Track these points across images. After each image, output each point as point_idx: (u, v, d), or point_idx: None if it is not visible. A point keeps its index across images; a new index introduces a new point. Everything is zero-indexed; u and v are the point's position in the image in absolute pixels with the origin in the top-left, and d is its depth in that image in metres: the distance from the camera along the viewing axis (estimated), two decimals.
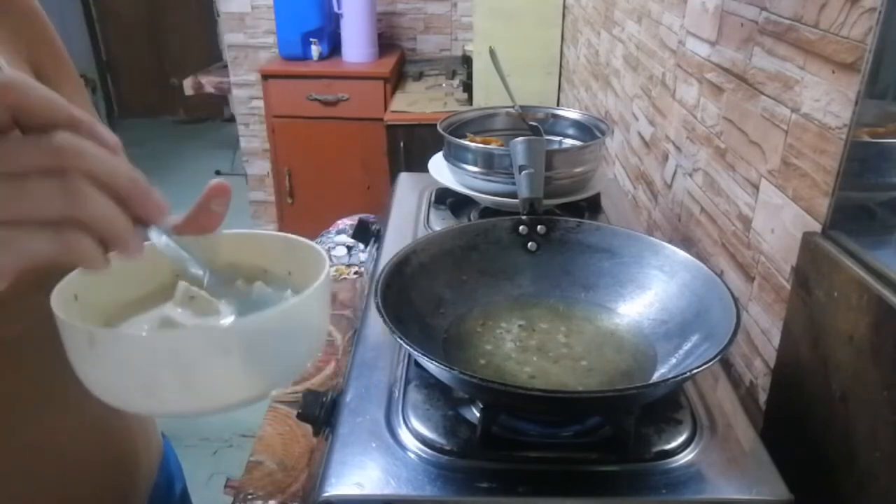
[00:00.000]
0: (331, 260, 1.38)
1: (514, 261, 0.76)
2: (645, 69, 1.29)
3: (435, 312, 0.69)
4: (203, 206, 0.49)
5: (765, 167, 0.76)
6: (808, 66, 0.67)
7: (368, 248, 1.07)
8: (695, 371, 0.52)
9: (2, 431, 0.56)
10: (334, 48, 2.88)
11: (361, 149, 2.74)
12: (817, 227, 0.65)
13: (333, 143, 2.77)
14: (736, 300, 0.60)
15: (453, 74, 2.78)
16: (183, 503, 0.82)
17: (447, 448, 0.56)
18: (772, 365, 0.73)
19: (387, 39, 3.04)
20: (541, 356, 0.65)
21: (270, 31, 2.98)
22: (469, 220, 0.98)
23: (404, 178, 1.17)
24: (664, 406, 0.61)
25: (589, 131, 1.07)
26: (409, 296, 0.67)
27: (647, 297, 0.70)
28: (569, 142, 1.09)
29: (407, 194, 1.09)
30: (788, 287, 0.70)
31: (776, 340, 0.72)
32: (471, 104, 2.38)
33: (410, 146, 2.39)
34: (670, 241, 0.73)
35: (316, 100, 2.70)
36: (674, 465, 0.56)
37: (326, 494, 0.52)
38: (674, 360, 0.62)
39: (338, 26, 2.81)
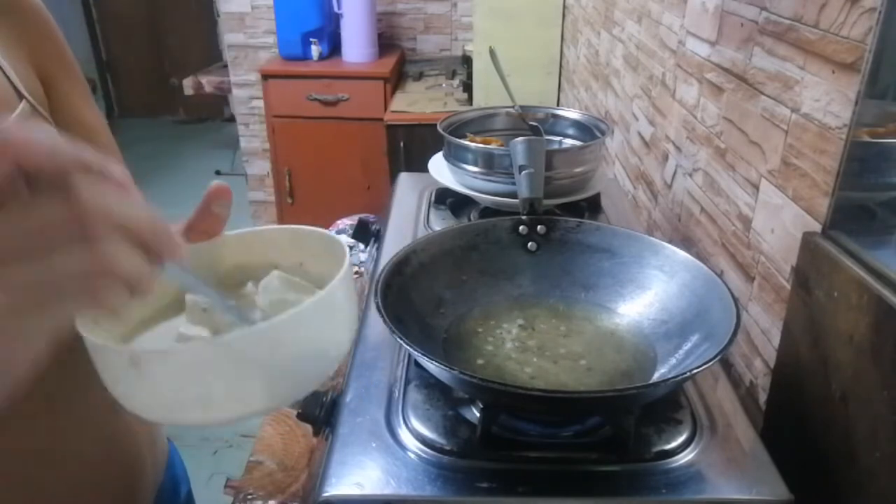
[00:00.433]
0: None
1: (514, 261, 0.76)
2: (645, 69, 1.29)
3: (435, 312, 0.69)
4: (205, 210, 0.49)
5: (765, 167, 0.76)
6: (808, 66, 0.67)
7: (368, 248, 1.07)
8: (695, 371, 0.52)
9: (12, 437, 0.56)
10: (334, 48, 2.88)
11: (361, 149, 2.74)
12: (817, 227, 0.65)
13: (333, 143, 2.77)
14: (736, 300, 0.60)
15: (453, 74, 2.78)
16: None
17: (447, 448, 0.56)
18: (772, 365, 0.73)
19: (387, 39, 3.04)
20: (541, 356, 0.65)
21: (270, 31, 2.98)
22: (469, 220, 0.98)
23: (404, 178, 1.17)
24: (664, 406, 0.61)
25: (589, 131, 1.07)
26: (409, 296, 0.67)
27: (647, 297, 0.70)
28: (569, 142, 1.09)
29: (407, 194, 1.09)
30: (788, 287, 0.70)
31: (776, 340, 0.72)
32: (471, 104, 2.38)
33: (410, 146, 2.39)
34: (670, 241, 0.73)
35: (316, 100, 2.70)
36: (674, 465, 0.56)
37: (326, 494, 0.52)
38: (674, 360, 0.62)
39: (338, 26, 2.81)
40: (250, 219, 3.38)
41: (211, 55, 4.50)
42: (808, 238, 0.65)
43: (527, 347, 0.66)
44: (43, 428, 0.58)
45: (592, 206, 1.01)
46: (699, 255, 0.84)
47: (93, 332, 0.40)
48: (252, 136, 3.26)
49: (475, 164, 0.94)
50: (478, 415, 0.58)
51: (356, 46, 2.77)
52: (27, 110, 0.57)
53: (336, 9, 2.74)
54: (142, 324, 0.48)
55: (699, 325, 0.63)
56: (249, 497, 0.84)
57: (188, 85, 3.47)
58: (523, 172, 0.79)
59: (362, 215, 1.17)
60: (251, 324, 0.44)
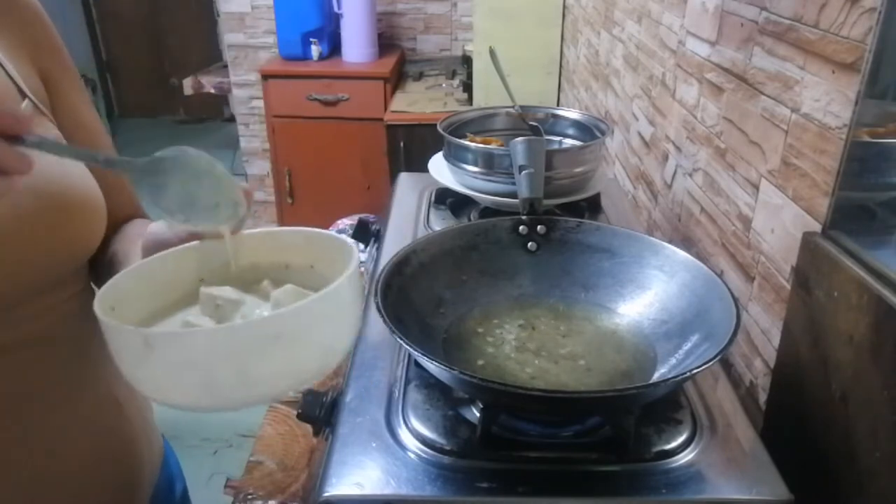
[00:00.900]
0: None
1: (514, 261, 0.76)
2: (645, 69, 1.29)
3: (435, 312, 0.69)
4: None
5: (765, 167, 0.76)
6: (808, 66, 0.67)
7: (368, 248, 1.07)
8: (695, 371, 0.52)
9: (14, 434, 0.56)
10: (334, 48, 2.88)
11: (361, 149, 2.74)
12: (817, 227, 0.65)
13: (333, 143, 2.77)
14: (736, 300, 0.60)
15: (453, 74, 2.78)
16: (184, 503, 0.83)
17: (447, 448, 0.56)
18: (772, 365, 0.73)
19: (387, 39, 3.04)
20: (541, 356, 0.65)
21: (270, 31, 2.98)
22: (469, 220, 0.98)
23: (404, 178, 1.17)
24: (664, 406, 0.61)
25: (589, 131, 1.07)
26: (409, 296, 0.67)
27: (647, 297, 0.70)
28: (569, 142, 1.09)
29: (407, 194, 1.09)
30: (788, 287, 0.70)
31: (776, 340, 0.72)
32: (471, 104, 2.38)
33: (410, 146, 2.39)
34: (670, 241, 0.73)
35: (316, 100, 2.70)
36: (674, 465, 0.56)
37: (326, 494, 0.52)
38: (674, 360, 0.62)
39: (338, 26, 2.81)
40: (250, 219, 3.38)
41: (211, 55, 4.49)
42: (808, 238, 0.65)
43: (527, 347, 0.66)
44: (41, 426, 0.58)
45: (592, 206, 1.01)
46: (699, 255, 0.84)
47: (109, 317, 0.42)
48: (252, 136, 3.26)
49: (475, 164, 0.94)
50: (478, 415, 0.58)
51: (356, 46, 2.77)
52: (30, 108, 0.57)
53: (336, 9, 2.74)
54: (153, 316, 0.50)
55: (699, 325, 0.63)
56: (249, 497, 0.84)
57: (188, 85, 3.47)
58: (523, 172, 0.79)
59: (362, 215, 1.17)
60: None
